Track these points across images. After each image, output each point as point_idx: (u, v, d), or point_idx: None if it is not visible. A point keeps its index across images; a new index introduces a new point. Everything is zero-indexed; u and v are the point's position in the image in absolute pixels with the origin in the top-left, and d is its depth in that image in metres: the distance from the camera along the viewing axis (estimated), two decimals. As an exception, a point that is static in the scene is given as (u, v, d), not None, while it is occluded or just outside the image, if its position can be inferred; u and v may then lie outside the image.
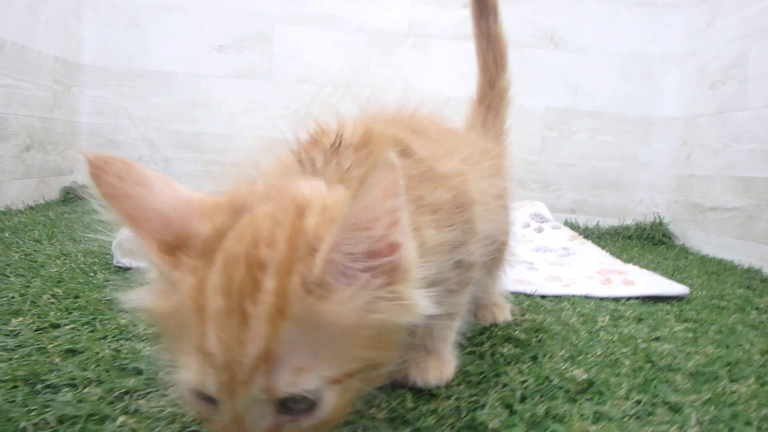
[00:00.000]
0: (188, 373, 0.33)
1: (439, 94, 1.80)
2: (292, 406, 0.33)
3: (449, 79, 1.86)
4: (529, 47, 1.89)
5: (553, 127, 1.93)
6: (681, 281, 1.16)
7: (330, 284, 0.33)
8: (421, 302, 0.35)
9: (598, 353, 0.66)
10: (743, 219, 1.54)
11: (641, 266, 1.33)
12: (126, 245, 0.90)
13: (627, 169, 1.94)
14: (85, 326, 0.60)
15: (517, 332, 0.71)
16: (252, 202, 0.37)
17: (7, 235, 1.07)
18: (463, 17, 1.97)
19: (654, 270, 1.30)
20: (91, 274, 0.82)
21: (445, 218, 0.45)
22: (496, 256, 0.69)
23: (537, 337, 0.70)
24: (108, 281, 0.79)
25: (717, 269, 1.37)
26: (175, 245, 0.34)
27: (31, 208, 1.46)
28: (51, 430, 0.41)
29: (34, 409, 0.43)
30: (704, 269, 1.36)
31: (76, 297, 0.70)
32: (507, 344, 0.66)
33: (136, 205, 0.35)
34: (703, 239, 1.71)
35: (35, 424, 0.41)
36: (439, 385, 0.53)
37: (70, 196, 1.67)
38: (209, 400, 0.34)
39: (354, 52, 1.86)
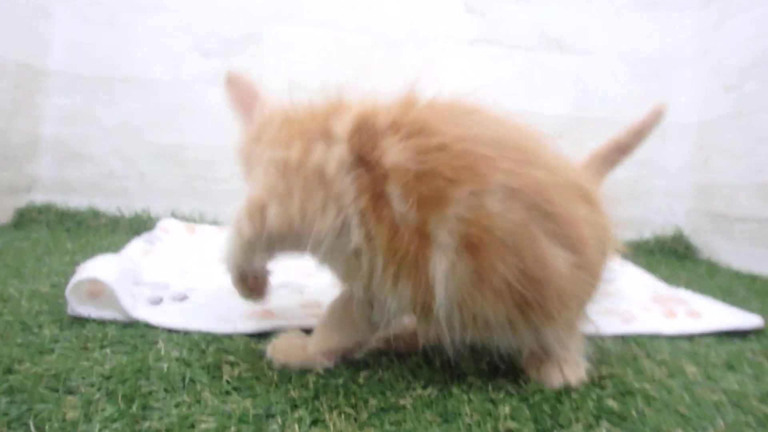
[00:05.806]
0: None
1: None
2: None
3: (454, 82, 1.72)
4: (536, 51, 1.76)
5: (563, 134, 1.80)
6: (734, 306, 1.02)
7: None
8: None
9: (721, 427, 0.50)
10: (779, 230, 1.41)
11: (685, 289, 1.19)
12: (84, 287, 0.70)
13: (642, 176, 1.82)
14: (14, 427, 0.41)
15: (606, 399, 0.54)
16: None
17: (-63, 273, 0.86)
18: (469, 21, 1.83)
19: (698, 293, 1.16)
20: (36, 329, 0.62)
21: None
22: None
23: (634, 404, 0.53)
24: (57, 341, 0.60)
25: (765, 288, 1.24)
26: None
27: (-23, 234, 1.24)
28: None
29: None
30: (752, 289, 1.22)
31: (9, 372, 0.51)
32: (603, 421, 0.49)
33: None
34: (732, 252, 1.58)
35: None
36: None
37: (24, 219, 1.45)
38: None
39: (352, 55, 1.69)
